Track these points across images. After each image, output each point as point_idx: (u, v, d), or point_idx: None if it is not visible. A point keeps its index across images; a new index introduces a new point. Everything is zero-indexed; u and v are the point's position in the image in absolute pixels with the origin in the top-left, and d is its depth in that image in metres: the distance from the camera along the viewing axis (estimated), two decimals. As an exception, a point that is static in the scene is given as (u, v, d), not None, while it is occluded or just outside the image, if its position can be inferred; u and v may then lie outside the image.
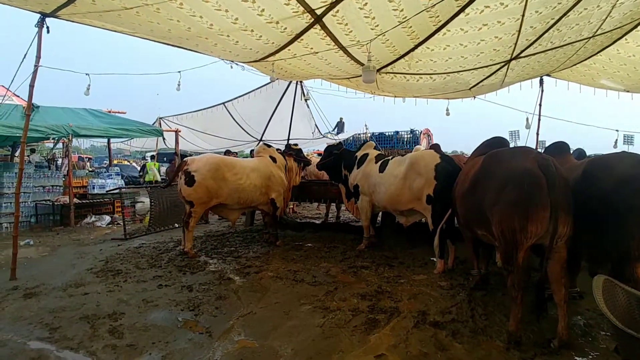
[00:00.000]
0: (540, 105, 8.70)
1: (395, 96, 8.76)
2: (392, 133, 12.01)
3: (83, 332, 3.32)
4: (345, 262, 5.46)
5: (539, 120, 8.75)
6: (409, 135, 12.46)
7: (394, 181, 5.32)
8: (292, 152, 6.86)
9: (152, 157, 17.02)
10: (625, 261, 2.89)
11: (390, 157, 5.73)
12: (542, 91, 8.60)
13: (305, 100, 8.11)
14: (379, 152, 6.11)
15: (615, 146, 8.24)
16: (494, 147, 3.96)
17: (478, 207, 3.48)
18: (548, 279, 3.12)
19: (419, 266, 5.30)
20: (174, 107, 13.96)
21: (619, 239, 2.91)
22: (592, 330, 3.38)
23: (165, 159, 19.64)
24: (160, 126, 12.53)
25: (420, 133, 17.88)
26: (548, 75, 8.13)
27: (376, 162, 5.81)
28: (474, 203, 3.58)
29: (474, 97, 8.07)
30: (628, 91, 7.01)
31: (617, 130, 8.34)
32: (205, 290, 4.33)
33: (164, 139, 12.06)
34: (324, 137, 14.53)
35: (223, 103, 12.81)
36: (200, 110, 13.44)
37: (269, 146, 6.54)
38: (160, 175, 14.33)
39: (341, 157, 6.39)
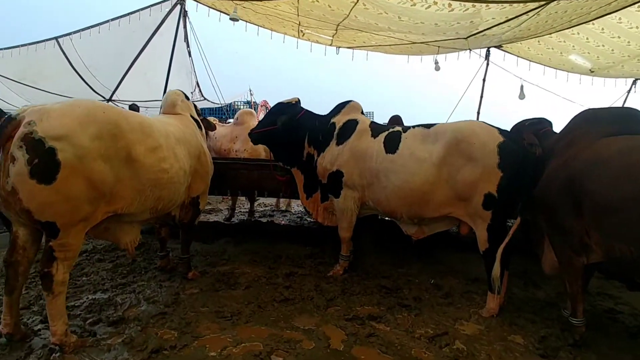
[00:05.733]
0: (484, 80, 7.75)
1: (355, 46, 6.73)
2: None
3: None
4: (334, 307, 3.13)
5: (481, 97, 7.80)
6: (244, 107, 10.56)
7: (418, 169, 3.17)
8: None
9: None
10: None
11: (399, 129, 3.52)
12: (488, 64, 7.67)
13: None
14: (373, 120, 3.82)
15: None
16: (630, 120, 2.68)
17: None
18: None
19: (446, 303, 3.33)
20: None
21: None
22: None
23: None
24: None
25: (259, 105, 15.76)
26: (498, 47, 7.15)
27: (374, 136, 3.55)
28: None
29: (470, 50, 6.47)
30: (592, 71, 6.34)
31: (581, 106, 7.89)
32: None
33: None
34: (205, 99, 11.19)
35: (55, 38, 8.45)
36: (17, 47, 8.67)
37: (187, 98, 3.50)
38: None
39: (302, 122, 3.89)
